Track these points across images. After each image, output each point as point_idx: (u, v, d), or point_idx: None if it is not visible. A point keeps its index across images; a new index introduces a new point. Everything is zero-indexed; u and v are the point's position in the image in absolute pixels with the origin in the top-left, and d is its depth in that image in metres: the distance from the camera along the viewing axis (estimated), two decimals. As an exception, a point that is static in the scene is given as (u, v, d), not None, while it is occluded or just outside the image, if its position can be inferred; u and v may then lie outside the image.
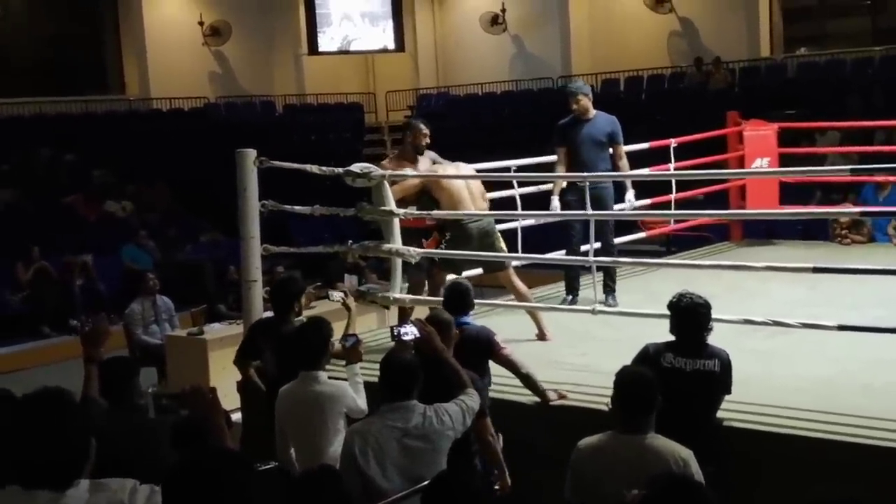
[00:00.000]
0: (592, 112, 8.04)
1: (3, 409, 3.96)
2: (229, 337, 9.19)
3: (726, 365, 4.90)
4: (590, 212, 7.17)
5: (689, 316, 4.94)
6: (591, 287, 7.43)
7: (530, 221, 8.62)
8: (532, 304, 7.19)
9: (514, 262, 7.54)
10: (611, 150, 8.05)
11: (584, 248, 7.78)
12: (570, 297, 8.05)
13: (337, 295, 6.45)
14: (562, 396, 5.69)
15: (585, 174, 7.60)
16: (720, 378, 4.89)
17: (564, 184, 8.03)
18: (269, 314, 8.20)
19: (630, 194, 8.08)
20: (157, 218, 17.41)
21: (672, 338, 4.98)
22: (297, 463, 4.94)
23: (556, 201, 8.04)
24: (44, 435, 2.74)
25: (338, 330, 5.88)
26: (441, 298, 7.29)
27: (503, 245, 7.32)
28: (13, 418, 2.86)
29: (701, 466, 4.00)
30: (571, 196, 7.90)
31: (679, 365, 4.86)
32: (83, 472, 2.80)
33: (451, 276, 7.54)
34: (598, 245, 7.69)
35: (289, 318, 5.98)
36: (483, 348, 5.44)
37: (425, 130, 7.41)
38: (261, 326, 6.39)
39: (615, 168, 7.99)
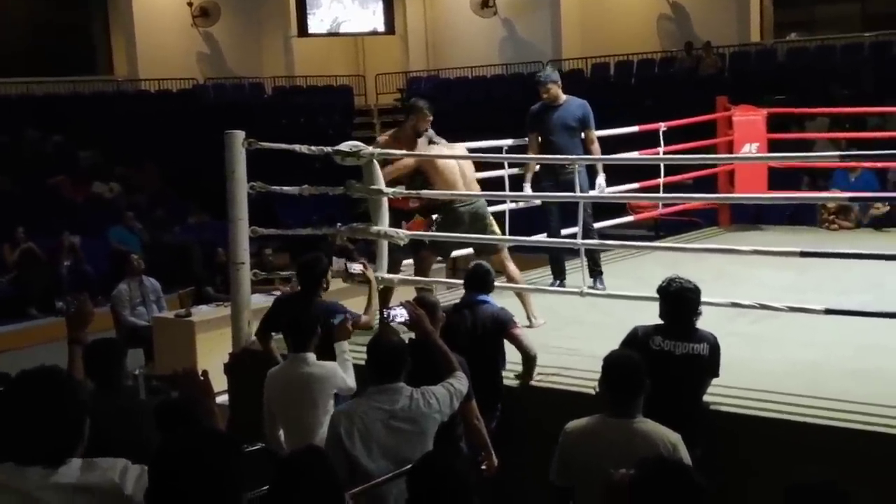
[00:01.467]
0: (563, 98, 8.01)
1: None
2: (217, 319, 9.19)
3: (715, 348, 4.92)
4: (579, 194, 7.16)
5: (679, 300, 4.95)
6: (578, 271, 7.44)
7: (521, 203, 8.60)
8: (520, 286, 7.18)
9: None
10: (582, 135, 8.01)
11: (568, 231, 7.80)
12: (558, 282, 8.04)
13: (356, 266, 6.46)
14: None
15: (573, 157, 7.62)
16: (709, 361, 4.91)
17: (537, 168, 8.02)
18: (258, 296, 8.22)
19: (601, 178, 8.03)
20: (144, 199, 17.37)
21: (661, 321, 4.99)
22: (286, 444, 4.95)
23: (527, 188, 8.05)
24: (39, 412, 2.75)
25: (359, 304, 6.08)
26: (428, 279, 7.33)
27: (496, 228, 7.31)
28: (8, 395, 2.86)
29: (689, 450, 4.01)
30: (547, 181, 7.91)
31: (668, 348, 4.86)
32: (76, 451, 2.81)
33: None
34: (576, 230, 7.71)
35: (316, 295, 5.97)
36: (500, 327, 5.58)
37: (429, 116, 7.34)
38: (285, 301, 6.31)
39: (587, 153, 7.94)
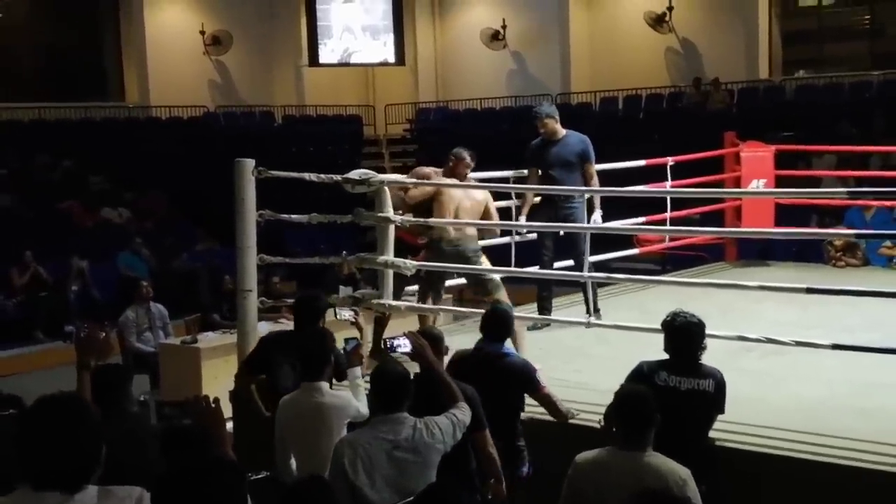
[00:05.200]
0: (562, 132, 7.96)
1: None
2: (223, 346, 9.20)
3: (720, 385, 4.91)
4: (586, 225, 7.16)
5: (684, 334, 4.96)
6: (580, 305, 7.44)
7: (531, 236, 8.59)
8: (523, 316, 7.17)
9: (500, 276, 7.50)
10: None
11: (561, 264, 7.80)
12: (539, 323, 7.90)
13: (347, 313, 6.12)
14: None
15: (574, 188, 7.65)
16: (714, 398, 4.90)
17: (536, 201, 7.99)
18: (264, 324, 8.22)
19: (597, 214, 7.93)
20: (153, 226, 17.42)
21: (666, 356, 5.00)
22: (298, 473, 4.90)
23: (523, 221, 7.95)
24: (57, 437, 2.75)
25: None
26: (435, 306, 7.30)
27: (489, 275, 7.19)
28: (27, 419, 2.87)
29: (708, 488, 4.01)
30: (543, 216, 7.85)
31: (673, 384, 4.86)
32: (92, 477, 2.81)
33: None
34: (570, 262, 7.70)
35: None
36: (525, 383, 5.36)
37: (471, 164, 7.34)
38: (274, 340, 6.16)
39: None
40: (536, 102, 21.92)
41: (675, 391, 4.83)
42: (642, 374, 4.95)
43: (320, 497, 3.18)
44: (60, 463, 2.74)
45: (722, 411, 4.96)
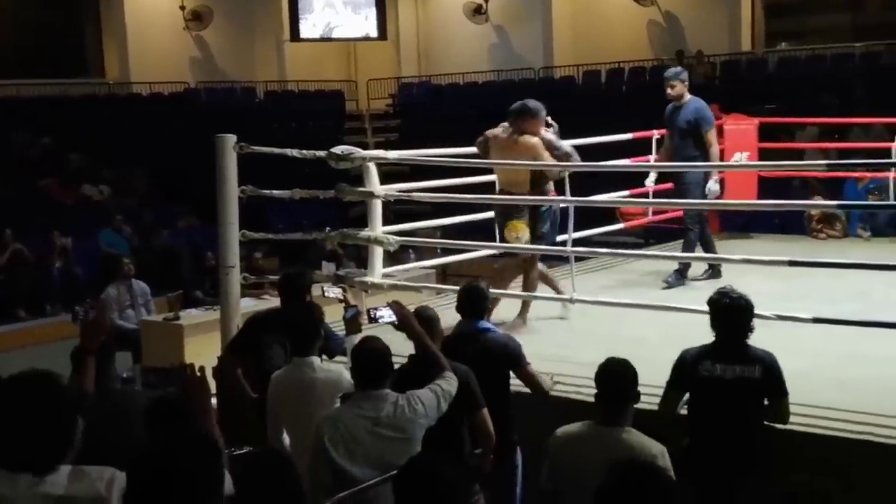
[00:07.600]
0: (686, 98, 8.32)
1: None
2: (205, 323, 9.20)
3: (770, 368, 4.65)
4: (568, 198, 7.12)
5: (732, 316, 4.71)
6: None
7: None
8: (506, 293, 7.17)
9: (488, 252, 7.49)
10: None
11: (561, 237, 7.77)
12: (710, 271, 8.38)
13: (335, 290, 5.99)
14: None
15: (573, 164, 7.62)
16: (764, 384, 4.64)
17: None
18: (247, 300, 8.19)
19: (711, 182, 8.18)
20: (134, 203, 17.34)
21: (707, 343, 4.77)
22: (291, 449, 4.87)
23: (652, 176, 8.70)
24: (28, 417, 2.72)
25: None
26: (419, 284, 7.29)
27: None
28: None
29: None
30: (672, 177, 8.44)
31: (718, 373, 4.57)
32: (66, 457, 2.78)
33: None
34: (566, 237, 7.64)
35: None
36: (509, 359, 5.14)
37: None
38: (260, 320, 5.95)
39: (704, 155, 8.18)
40: (519, 76, 22.04)
41: (721, 381, 4.56)
42: (685, 365, 4.70)
43: (278, 470, 3.18)
44: (32, 443, 2.71)
45: (784, 394, 4.69)
